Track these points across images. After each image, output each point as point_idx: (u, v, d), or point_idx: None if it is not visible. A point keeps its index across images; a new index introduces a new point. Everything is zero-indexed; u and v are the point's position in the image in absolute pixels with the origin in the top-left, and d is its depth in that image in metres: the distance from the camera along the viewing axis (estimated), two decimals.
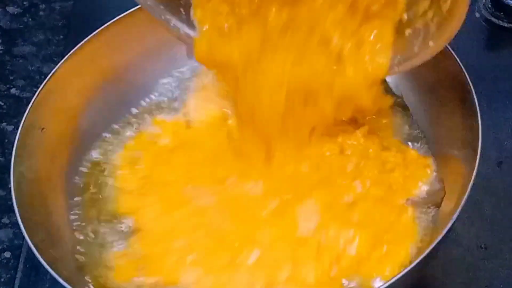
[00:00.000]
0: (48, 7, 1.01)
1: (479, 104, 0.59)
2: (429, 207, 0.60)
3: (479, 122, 0.58)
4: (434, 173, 0.61)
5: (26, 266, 0.72)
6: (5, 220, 0.77)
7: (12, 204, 0.59)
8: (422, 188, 0.61)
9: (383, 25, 0.56)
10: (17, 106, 0.88)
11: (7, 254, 0.74)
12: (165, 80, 0.79)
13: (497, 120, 0.75)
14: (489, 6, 0.87)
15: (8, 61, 0.94)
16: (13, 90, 0.90)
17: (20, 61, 0.94)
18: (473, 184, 0.54)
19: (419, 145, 0.68)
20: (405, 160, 0.63)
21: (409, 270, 0.50)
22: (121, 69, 0.77)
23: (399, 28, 0.57)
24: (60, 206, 0.67)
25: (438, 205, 0.60)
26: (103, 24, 0.74)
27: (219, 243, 0.60)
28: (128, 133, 0.74)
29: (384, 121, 0.68)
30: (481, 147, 0.56)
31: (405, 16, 0.56)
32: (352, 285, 0.56)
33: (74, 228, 0.65)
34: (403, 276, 0.50)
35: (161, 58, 0.80)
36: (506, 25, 0.85)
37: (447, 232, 0.52)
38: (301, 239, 0.59)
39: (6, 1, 1.02)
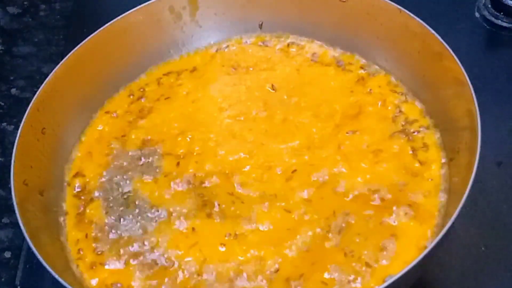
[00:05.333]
0: (48, 7, 1.01)
1: (478, 104, 0.59)
2: None
3: (478, 122, 0.58)
4: None
5: (26, 266, 0.72)
6: (5, 220, 0.77)
7: (12, 204, 0.59)
8: None
9: None
10: (17, 106, 0.88)
11: (7, 254, 0.74)
12: None
13: (497, 120, 0.75)
14: (489, 6, 0.87)
15: (8, 61, 0.94)
16: (13, 90, 0.90)
17: (20, 61, 0.94)
18: (473, 184, 0.54)
19: None
20: None
21: (409, 270, 0.50)
22: (121, 69, 0.78)
23: None
24: (61, 206, 0.67)
25: None
26: (103, 24, 0.75)
27: None
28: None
29: None
30: (481, 147, 0.56)
31: None
32: None
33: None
34: (403, 275, 0.50)
35: (161, 57, 0.80)
36: (506, 25, 0.86)
37: (447, 232, 0.52)
38: None
39: (6, 1, 1.02)
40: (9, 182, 0.61)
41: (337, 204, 0.63)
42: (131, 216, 0.65)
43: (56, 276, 0.54)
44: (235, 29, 0.81)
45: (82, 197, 0.68)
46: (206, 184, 0.66)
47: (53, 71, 0.70)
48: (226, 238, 0.62)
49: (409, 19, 0.69)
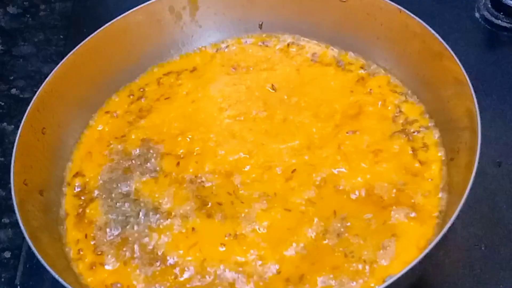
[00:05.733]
0: (48, 7, 1.01)
1: (478, 104, 0.59)
2: None
3: (478, 122, 0.58)
4: None
5: (26, 266, 0.72)
6: (5, 220, 0.77)
7: (12, 204, 0.59)
8: None
9: None
10: (17, 106, 0.88)
11: (7, 254, 0.74)
12: None
13: (497, 119, 0.75)
14: (489, 6, 0.87)
15: (8, 61, 0.94)
16: (13, 90, 0.90)
17: (20, 61, 0.94)
18: (473, 184, 0.54)
19: None
20: None
21: (409, 270, 0.50)
22: (121, 69, 0.78)
23: None
24: (61, 206, 0.67)
25: None
26: (103, 24, 0.75)
27: None
28: None
29: None
30: (481, 147, 0.56)
31: None
32: None
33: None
34: (403, 275, 0.50)
35: (161, 58, 0.80)
36: (505, 25, 0.85)
37: (447, 232, 0.52)
38: None
39: (6, 1, 1.02)
40: (9, 182, 0.61)
41: (337, 204, 0.63)
42: (131, 216, 0.65)
43: (56, 276, 0.54)
44: (235, 29, 0.81)
45: (82, 197, 0.68)
46: (206, 184, 0.66)
47: (53, 71, 0.70)
48: (226, 238, 0.62)
49: (409, 19, 0.69)
